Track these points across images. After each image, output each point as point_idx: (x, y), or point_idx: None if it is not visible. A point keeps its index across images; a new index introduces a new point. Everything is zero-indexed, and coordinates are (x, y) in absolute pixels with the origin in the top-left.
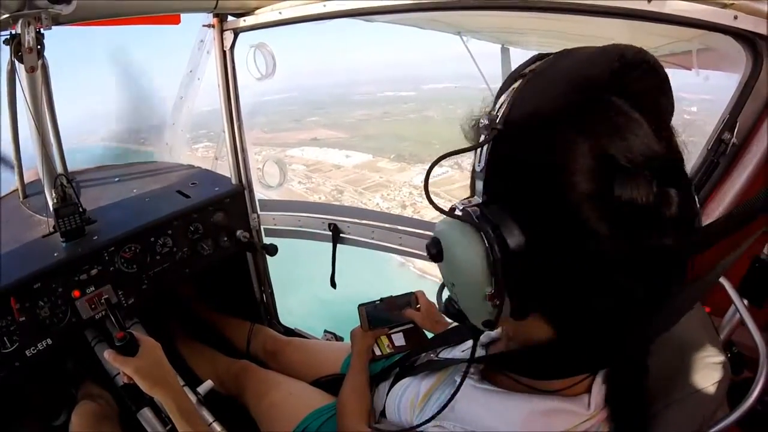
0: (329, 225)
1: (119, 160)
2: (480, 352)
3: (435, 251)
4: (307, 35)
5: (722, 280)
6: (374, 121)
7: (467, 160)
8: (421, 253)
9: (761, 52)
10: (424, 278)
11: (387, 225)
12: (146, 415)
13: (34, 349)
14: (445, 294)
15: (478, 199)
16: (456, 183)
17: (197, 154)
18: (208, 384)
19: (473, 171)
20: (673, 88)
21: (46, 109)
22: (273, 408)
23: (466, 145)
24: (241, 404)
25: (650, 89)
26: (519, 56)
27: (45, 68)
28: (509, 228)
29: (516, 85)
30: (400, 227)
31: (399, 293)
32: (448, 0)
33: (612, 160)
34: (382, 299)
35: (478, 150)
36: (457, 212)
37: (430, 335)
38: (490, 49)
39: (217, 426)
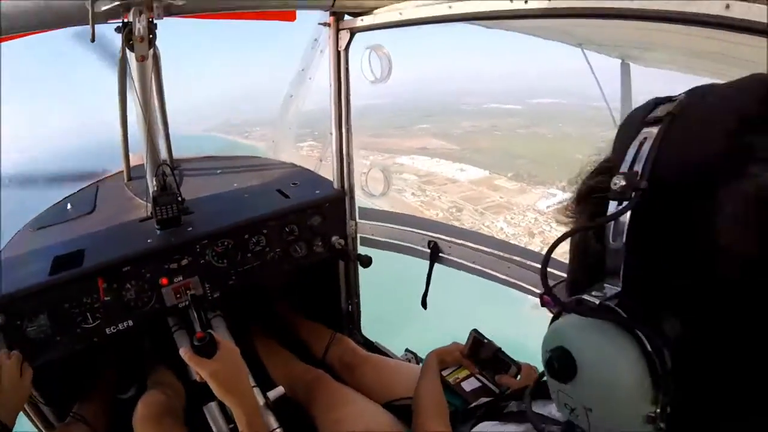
0: (429, 242)
1: (223, 152)
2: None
3: (562, 366)
4: (411, 39)
5: None
6: (483, 133)
7: None
8: (527, 287)
9: None
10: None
11: (493, 251)
12: (212, 409)
13: (114, 329)
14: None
15: (613, 287)
16: None
17: (302, 152)
18: (279, 390)
19: (598, 247)
20: None
21: (155, 98)
22: (340, 424)
23: (574, 169)
24: (308, 413)
25: None
26: (638, 73)
27: (156, 58)
28: (673, 326)
29: (652, 131)
30: (507, 255)
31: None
32: (581, 6)
33: None
34: (489, 341)
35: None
36: (589, 305)
37: None
38: (605, 63)
39: None
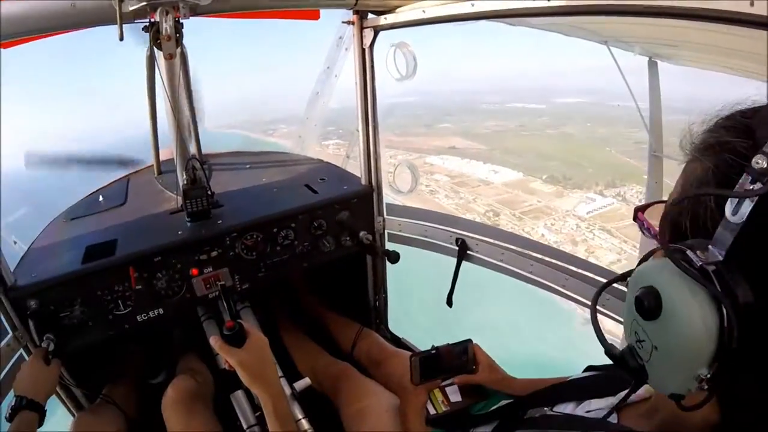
0: (457, 240)
1: (246, 149)
2: (610, 414)
3: (651, 305)
4: (429, 37)
5: None
6: (510, 133)
7: (630, 192)
8: (549, 284)
9: None
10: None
11: (518, 249)
12: (239, 398)
13: (144, 316)
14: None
15: (716, 254)
16: (625, 219)
17: (327, 150)
18: (305, 382)
19: (713, 207)
20: None
21: (183, 95)
22: (363, 415)
23: (618, 171)
24: (333, 405)
25: None
26: (668, 71)
27: (184, 56)
28: (761, 309)
29: None
30: (532, 253)
31: (454, 341)
32: (603, 3)
33: None
34: (436, 348)
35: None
36: (685, 262)
37: None
38: (627, 61)
39: (305, 423)
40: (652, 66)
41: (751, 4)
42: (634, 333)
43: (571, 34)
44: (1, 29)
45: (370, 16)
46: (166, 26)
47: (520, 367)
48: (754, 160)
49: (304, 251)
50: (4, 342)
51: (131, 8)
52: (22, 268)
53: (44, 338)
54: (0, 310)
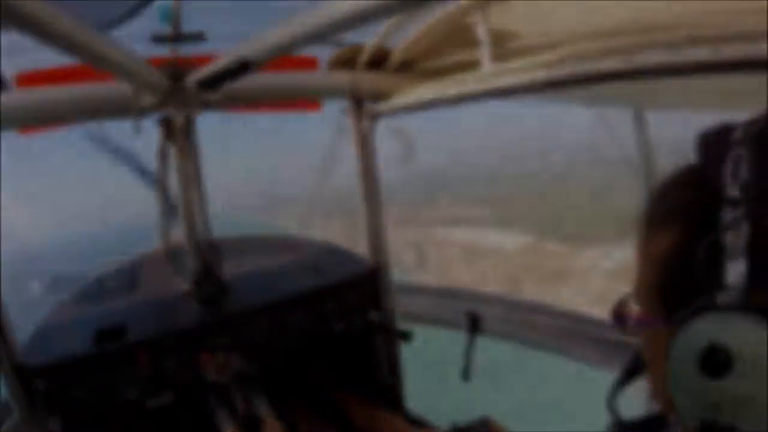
0: (467, 314)
1: (254, 231)
2: None
3: (718, 362)
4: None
5: None
6: (514, 198)
7: None
8: (563, 347)
9: None
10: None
11: (527, 316)
12: None
13: (155, 401)
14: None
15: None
16: None
17: (334, 230)
18: None
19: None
20: None
21: (193, 183)
22: None
23: (629, 220)
24: None
25: None
26: (655, 119)
27: (195, 148)
28: None
29: None
30: (542, 318)
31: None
32: (590, 71)
33: None
34: (457, 430)
35: None
36: None
37: None
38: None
39: None
40: (637, 116)
41: None
42: (707, 404)
43: (556, 100)
44: (20, 116)
45: (368, 103)
46: (178, 120)
47: None
48: (726, 190)
49: (314, 334)
50: (11, 423)
51: (146, 103)
52: (31, 348)
53: (52, 420)
54: (8, 390)
